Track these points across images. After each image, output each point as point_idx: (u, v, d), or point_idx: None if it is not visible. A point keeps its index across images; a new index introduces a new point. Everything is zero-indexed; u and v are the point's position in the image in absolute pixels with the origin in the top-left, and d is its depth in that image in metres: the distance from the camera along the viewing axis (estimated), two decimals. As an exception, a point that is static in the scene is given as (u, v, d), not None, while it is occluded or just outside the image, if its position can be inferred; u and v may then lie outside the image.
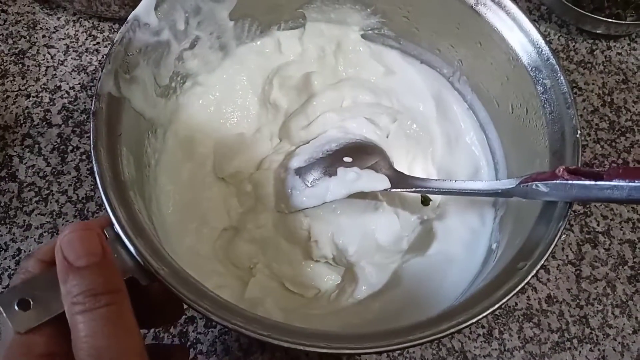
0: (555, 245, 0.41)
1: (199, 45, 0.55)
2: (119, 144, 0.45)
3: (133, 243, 0.39)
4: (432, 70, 0.61)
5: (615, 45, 0.74)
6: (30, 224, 0.57)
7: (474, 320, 0.39)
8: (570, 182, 0.39)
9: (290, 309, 0.50)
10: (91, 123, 0.43)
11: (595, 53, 0.74)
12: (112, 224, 0.39)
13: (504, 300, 0.39)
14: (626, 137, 0.68)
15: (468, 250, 0.53)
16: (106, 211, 0.40)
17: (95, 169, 0.42)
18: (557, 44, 0.74)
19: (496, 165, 0.57)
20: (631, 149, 0.67)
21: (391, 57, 0.62)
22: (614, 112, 0.69)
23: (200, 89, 0.58)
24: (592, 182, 0.38)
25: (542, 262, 0.40)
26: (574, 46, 0.74)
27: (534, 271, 0.40)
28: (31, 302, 0.34)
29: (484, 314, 0.39)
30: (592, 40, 0.74)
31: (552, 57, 0.48)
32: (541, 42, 0.49)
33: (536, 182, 0.41)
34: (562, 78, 0.48)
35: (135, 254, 0.38)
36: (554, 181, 0.40)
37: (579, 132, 0.46)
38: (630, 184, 0.36)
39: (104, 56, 0.63)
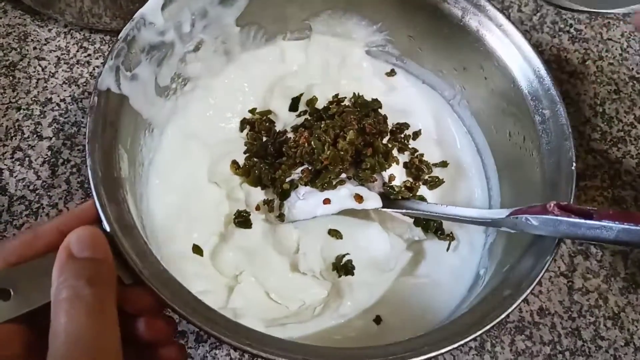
0: (540, 278, 0.41)
1: (203, 49, 0.55)
2: (114, 141, 0.45)
3: (120, 241, 0.39)
4: (434, 92, 0.62)
5: (607, 55, 0.74)
6: (20, 238, 0.56)
7: (455, 345, 0.39)
8: (560, 218, 0.39)
9: (271, 320, 0.50)
10: (88, 117, 0.43)
11: (587, 63, 0.73)
12: (100, 221, 0.39)
13: (485, 329, 0.39)
14: (618, 148, 0.68)
15: (456, 275, 0.53)
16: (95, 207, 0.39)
17: (88, 163, 0.41)
18: (548, 54, 0.74)
19: (490, 191, 0.57)
20: (623, 160, 0.67)
21: (394, 75, 0.62)
22: (605, 123, 0.69)
23: (201, 92, 0.58)
24: (582, 221, 0.38)
25: (526, 293, 0.40)
26: (565, 57, 0.74)
27: (519, 301, 0.40)
28: (11, 293, 0.34)
29: (465, 340, 0.39)
30: (584, 51, 0.74)
31: (552, 87, 0.49)
32: (543, 71, 0.49)
33: (526, 215, 0.41)
34: (561, 109, 0.48)
35: (122, 252, 0.38)
36: (544, 216, 0.40)
37: (574, 164, 0.46)
38: (620, 225, 0.36)
39: (96, 68, 0.64)
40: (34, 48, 0.66)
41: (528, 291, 0.41)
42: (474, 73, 0.56)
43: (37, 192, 0.58)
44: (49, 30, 0.67)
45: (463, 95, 0.59)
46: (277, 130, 0.57)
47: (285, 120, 0.59)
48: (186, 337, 0.53)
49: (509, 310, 0.40)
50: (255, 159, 0.55)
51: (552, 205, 0.40)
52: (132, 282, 0.38)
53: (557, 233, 0.40)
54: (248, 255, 0.52)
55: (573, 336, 0.57)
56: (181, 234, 0.52)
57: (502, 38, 0.51)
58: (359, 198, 0.50)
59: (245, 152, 0.56)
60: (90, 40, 0.67)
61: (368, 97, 0.59)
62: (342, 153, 0.50)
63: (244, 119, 0.59)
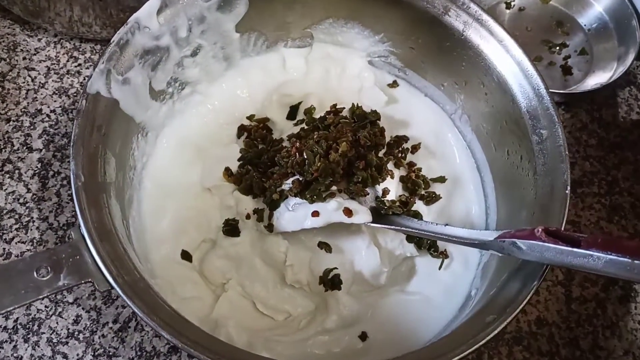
0: (526, 303, 0.40)
1: (202, 54, 0.55)
2: (101, 145, 0.45)
3: (96, 247, 0.39)
4: (436, 105, 0.61)
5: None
6: (10, 252, 0.55)
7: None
8: (546, 244, 0.38)
9: (255, 330, 0.49)
10: (75, 120, 0.43)
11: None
12: (79, 225, 0.39)
13: (465, 353, 0.38)
14: (615, 154, 0.66)
15: (447, 294, 0.52)
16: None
17: (71, 167, 0.42)
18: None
19: (487, 209, 0.56)
20: (621, 166, 0.65)
21: (396, 86, 0.62)
22: (602, 129, 0.67)
23: (198, 97, 0.58)
24: (568, 248, 0.37)
25: (510, 318, 0.39)
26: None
27: (500, 328, 0.39)
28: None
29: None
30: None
31: (551, 107, 0.47)
32: (543, 90, 0.48)
33: (514, 239, 0.40)
34: (559, 131, 0.47)
35: (96, 258, 0.38)
36: (531, 241, 0.39)
37: (568, 188, 0.44)
38: (607, 256, 0.35)
39: (86, 77, 0.63)
40: (24, 58, 0.64)
41: (512, 316, 0.39)
42: (474, 88, 0.54)
43: (27, 205, 0.57)
44: (39, 40, 0.65)
45: (464, 110, 0.57)
46: (274, 139, 0.57)
47: (282, 128, 0.58)
48: (179, 353, 0.52)
49: (492, 335, 0.39)
50: (248, 167, 0.54)
51: (540, 230, 0.38)
52: (107, 289, 0.38)
53: (544, 259, 0.39)
54: (236, 264, 0.52)
55: (571, 346, 0.56)
56: (171, 239, 0.52)
57: (503, 54, 0.50)
58: (348, 212, 0.49)
59: (239, 160, 0.55)
60: (81, 49, 0.65)
61: (368, 108, 0.58)
62: (334, 165, 0.49)
63: (242, 125, 0.58)
